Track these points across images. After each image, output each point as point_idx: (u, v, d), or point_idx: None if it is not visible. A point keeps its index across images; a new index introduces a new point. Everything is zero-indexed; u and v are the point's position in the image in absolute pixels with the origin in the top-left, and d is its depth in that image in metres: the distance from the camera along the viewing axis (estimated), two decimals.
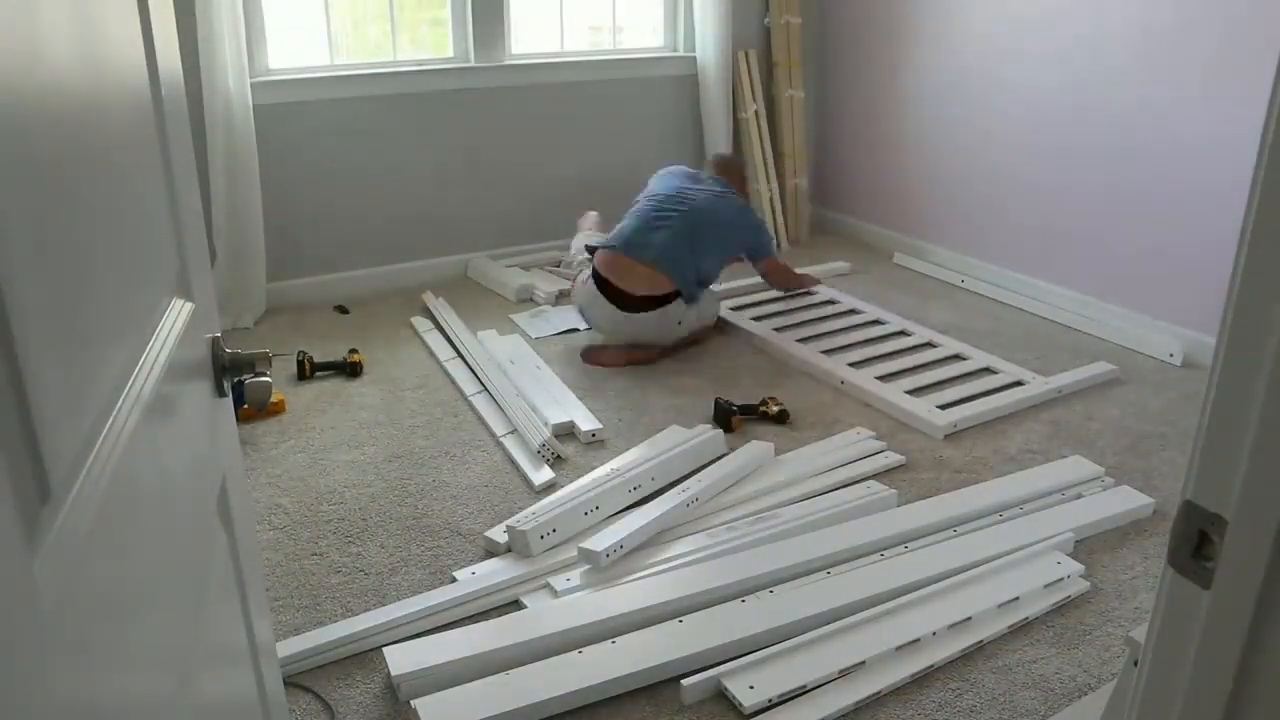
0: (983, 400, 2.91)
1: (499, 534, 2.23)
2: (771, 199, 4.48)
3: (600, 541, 2.12)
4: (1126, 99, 3.28)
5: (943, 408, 2.84)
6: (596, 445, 2.70)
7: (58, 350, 0.54)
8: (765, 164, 4.46)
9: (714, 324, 3.45)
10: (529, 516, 2.22)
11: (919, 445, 2.69)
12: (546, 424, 2.72)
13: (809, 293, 3.78)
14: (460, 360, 3.23)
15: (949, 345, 3.32)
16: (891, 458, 2.59)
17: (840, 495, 2.40)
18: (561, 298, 3.84)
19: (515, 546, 2.19)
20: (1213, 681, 0.60)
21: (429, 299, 3.71)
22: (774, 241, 3.66)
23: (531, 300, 3.83)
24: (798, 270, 3.81)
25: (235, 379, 1.01)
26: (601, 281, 3.15)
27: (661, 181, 3.44)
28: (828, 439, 2.70)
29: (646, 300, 3.13)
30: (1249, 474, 0.56)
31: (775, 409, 2.82)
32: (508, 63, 3.97)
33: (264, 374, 0.99)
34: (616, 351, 3.25)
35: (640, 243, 3.16)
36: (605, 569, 2.09)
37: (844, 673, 1.81)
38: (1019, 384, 3.02)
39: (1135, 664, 1.20)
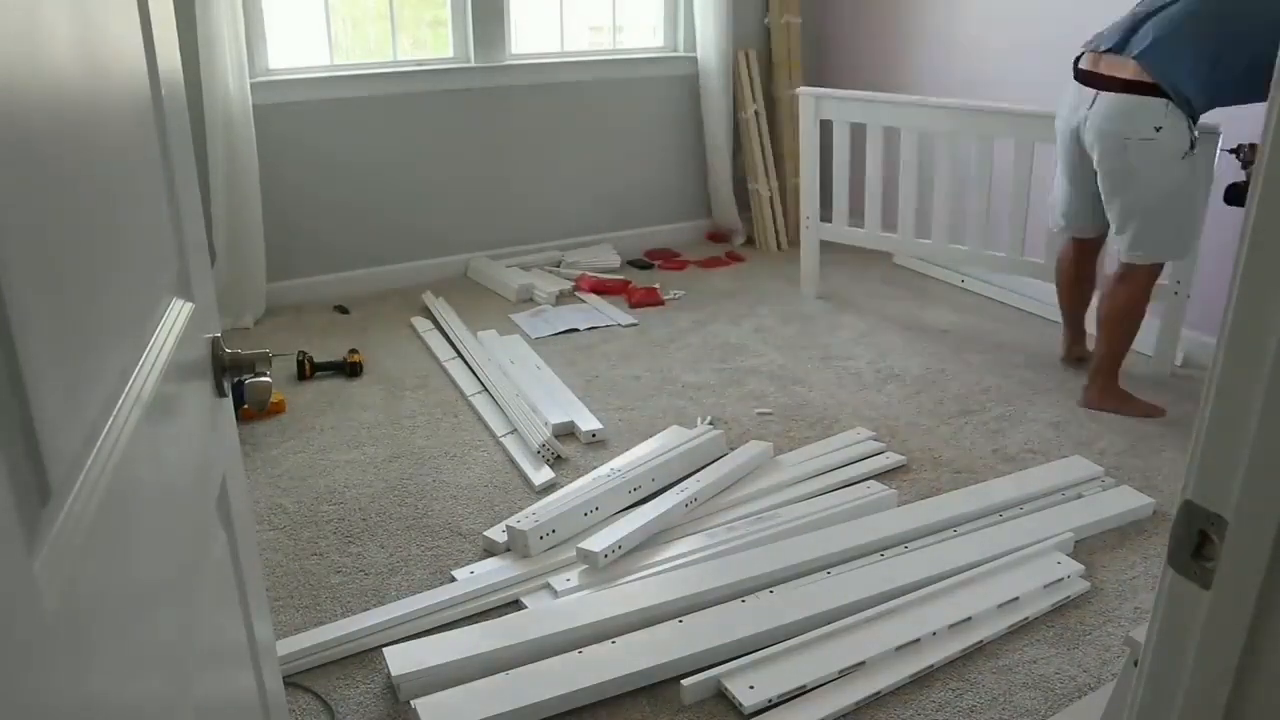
0: None
1: (498, 534, 2.23)
2: (771, 199, 4.48)
3: (599, 542, 2.12)
4: None
5: None
6: (597, 445, 2.70)
7: (58, 350, 0.54)
8: (765, 164, 4.46)
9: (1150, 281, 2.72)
10: (529, 516, 2.22)
11: (919, 445, 2.69)
12: (546, 424, 2.72)
13: None
14: (460, 360, 3.23)
15: None
16: (892, 458, 2.59)
17: (840, 495, 2.40)
18: (561, 298, 3.84)
19: (514, 546, 2.19)
20: (1213, 681, 0.60)
21: (429, 299, 3.71)
22: None
23: (531, 300, 3.83)
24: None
25: (235, 379, 1.01)
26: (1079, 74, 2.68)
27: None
28: (828, 439, 2.70)
29: (1118, 82, 2.54)
30: (1249, 474, 0.56)
31: None
32: (508, 63, 3.97)
33: (264, 374, 0.99)
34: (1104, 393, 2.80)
35: (1123, 40, 2.56)
36: (604, 569, 2.09)
37: (844, 673, 1.80)
38: None
39: (1135, 664, 1.20)
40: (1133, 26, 2.55)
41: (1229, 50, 2.41)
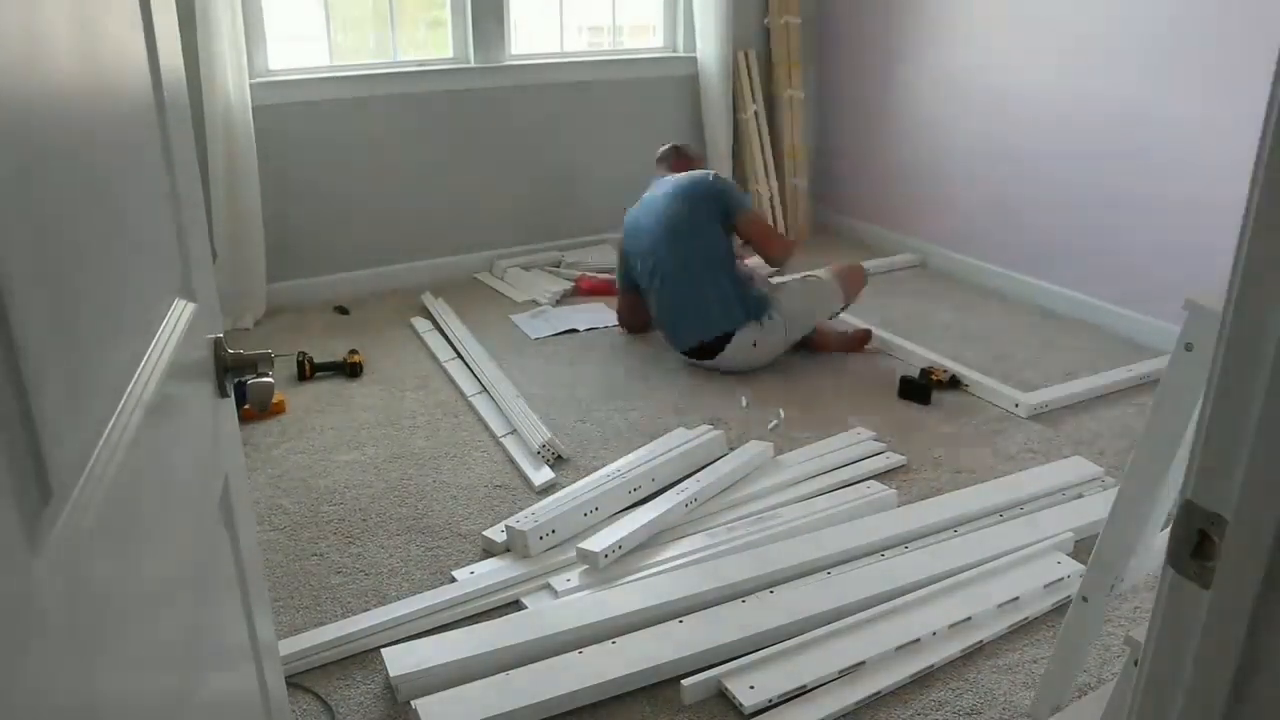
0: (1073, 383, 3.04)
1: (498, 534, 2.23)
2: (771, 199, 4.48)
3: (599, 542, 2.12)
4: (1127, 98, 3.28)
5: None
6: (597, 445, 2.70)
7: (60, 350, 0.54)
8: (765, 164, 4.46)
9: (836, 327, 3.34)
10: (528, 516, 2.22)
11: (919, 445, 2.69)
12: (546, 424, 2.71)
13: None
14: (460, 361, 3.23)
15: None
16: (892, 458, 2.59)
17: (840, 495, 2.40)
18: (562, 298, 3.84)
19: (514, 546, 2.19)
20: (1213, 681, 0.60)
21: (428, 300, 3.71)
22: (747, 197, 3.33)
23: (532, 300, 3.83)
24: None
25: (237, 379, 1.01)
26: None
27: (638, 237, 3.22)
28: (828, 439, 2.70)
29: (708, 347, 3.11)
30: (1249, 474, 0.56)
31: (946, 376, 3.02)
32: (507, 63, 3.97)
33: (266, 374, 0.99)
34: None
35: (682, 326, 3.12)
36: (604, 569, 2.09)
37: (844, 673, 1.80)
38: None
39: (1135, 664, 1.20)
40: None
41: None
